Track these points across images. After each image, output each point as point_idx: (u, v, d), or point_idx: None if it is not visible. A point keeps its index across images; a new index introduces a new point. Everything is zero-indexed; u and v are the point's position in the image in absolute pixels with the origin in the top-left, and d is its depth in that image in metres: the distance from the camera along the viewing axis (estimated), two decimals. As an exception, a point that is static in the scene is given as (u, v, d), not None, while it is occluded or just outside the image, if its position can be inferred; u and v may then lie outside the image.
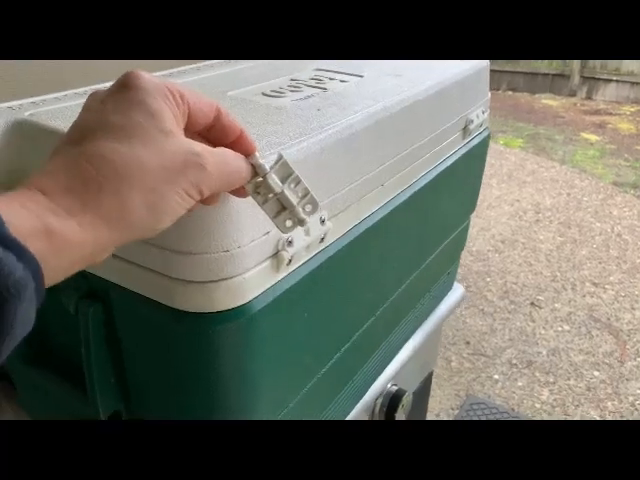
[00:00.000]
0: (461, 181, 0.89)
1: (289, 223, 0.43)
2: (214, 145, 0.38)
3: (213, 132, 0.39)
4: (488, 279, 2.71)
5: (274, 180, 0.41)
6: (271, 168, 0.41)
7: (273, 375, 0.57)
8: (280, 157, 0.42)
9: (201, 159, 0.34)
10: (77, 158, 0.31)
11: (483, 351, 2.31)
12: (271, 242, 0.52)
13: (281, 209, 0.42)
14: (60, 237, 0.28)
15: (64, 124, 0.56)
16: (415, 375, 1.09)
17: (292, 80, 0.78)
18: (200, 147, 0.35)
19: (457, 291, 1.09)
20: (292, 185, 0.43)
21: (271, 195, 0.41)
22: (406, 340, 0.97)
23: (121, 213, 0.30)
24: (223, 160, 0.37)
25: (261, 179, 0.41)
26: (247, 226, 0.48)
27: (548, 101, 5.27)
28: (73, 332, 0.55)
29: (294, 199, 0.42)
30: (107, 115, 0.33)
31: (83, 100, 0.37)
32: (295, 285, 0.55)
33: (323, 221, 0.57)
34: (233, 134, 0.41)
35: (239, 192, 0.41)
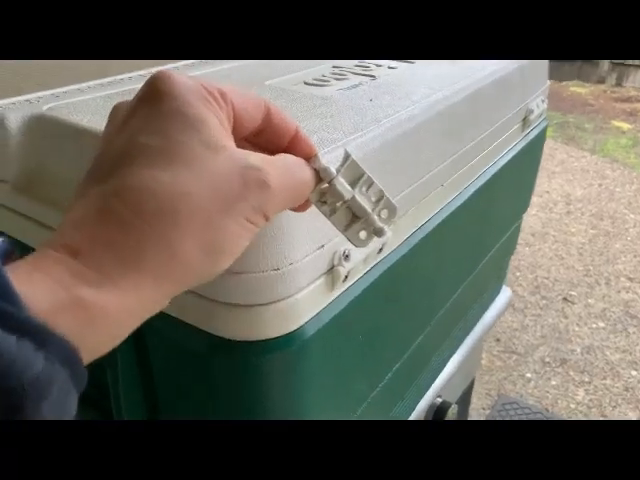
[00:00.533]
0: (518, 178, 0.81)
1: (364, 235, 0.35)
2: (265, 151, 0.30)
3: (263, 135, 0.32)
4: (518, 274, 2.62)
5: (342, 185, 0.33)
6: (337, 171, 0.34)
7: (322, 404, 0.50)
8: (347, 156, 0.34)
9: (263, 174, 0.27)
10: (107, 199, 0.24)
11: (514, 348, 2.23)
12: (326, 256, 0.44)
13: (353, 219, 0.35)
14: (96, 309, 0.21)
15: (86, 118, 0.49)
16: (459, 385, 1.02)
17: (334, 67, 0.70)
18: (259, 158, 0.28)
19: (504, 294, 1.01)
20: (364, 189, 0.34)
21: (340, 203, 0.34)
22: (454, 350, 0.89)
23: (170, 263, 0.24)
24: (287, 171, 0.29)
25: (327, 185, 0.33)
26: (300, 239, 0.41)
27: (576, 88, 5.10)
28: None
29: (368, 205, 0.34)
30: (137, 136, 0.26)
31: (108, 92, 0.30)
32: (350, 303, 0.48)
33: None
34: (287, 135, 0.32)
35: (302, 205, 0.33)
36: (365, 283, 0.50)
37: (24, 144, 0.51)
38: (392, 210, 0.36)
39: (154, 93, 0.27)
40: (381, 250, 0.50)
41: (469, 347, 0.94)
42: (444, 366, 0.86)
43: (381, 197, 0.35)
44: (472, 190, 0.66)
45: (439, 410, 0.90)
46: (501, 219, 0.81)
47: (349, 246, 0.46)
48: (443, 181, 0.60)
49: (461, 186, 0.64)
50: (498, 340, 2.25)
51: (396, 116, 0.53)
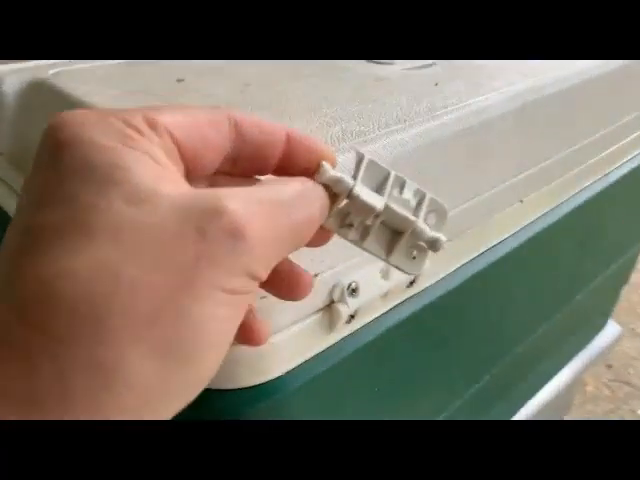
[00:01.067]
0: (635, 196, 0.63)
1: (417, 253, 0.25)
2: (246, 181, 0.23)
3: (241, 160, 0.22)
4: (643, 294, 2.30)
5: (368, 194, 0.23)
6: (355, 177, 0.23)
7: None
8: (361, 157, 0.23)
9: (230, 217, 0.18)
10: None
11: (628, 379, 1.95)
12: (321, 289, 0.33)
13: (394, 237, 0.24)
14: None
15: (88, 88, 0.41)
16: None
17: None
18: (222, 195, 0.18)
19: (610, 331, 0.83)
20: (395, 192, 0.24)
21: (371, 220, 0.23)
22: (535, 391, 0.74)
23: (112, 391, 0.16)
24: (274, 204, 0.19)
25: (346, 201, 0.23)
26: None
27: None
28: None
29: (408, 211, 0.23)
30: (35, 214, 0.18)
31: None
32: (360, 350, 0.37)
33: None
34: (274, 147, 0.22)
35: (320, 237, 0.24)
36: (385, 325, 0.38)
37: (17, 111, 0.45)
38: (441, 212, 0.25)
39: (52, 146, 0.18)
40: (412, 283, 0.38)
41: (557, 388, 0.78)
42: (521, 406, 0.71)
43: (422, 197, 0.24)
44: (566, 210, 0.50)
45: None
46: (609, 245, 0.64)
47: (357, 277, 0.34)
48: (522, 196, 0.46)
49: (548, 204, 0.50)
50: (610, 367, 1.98)
51: (460, 106, 0.40)
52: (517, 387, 0.66)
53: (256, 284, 0.19)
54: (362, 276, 0.35)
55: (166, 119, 0.19)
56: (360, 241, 0.23)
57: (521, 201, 0.46)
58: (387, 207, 0.23)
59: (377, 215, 0.23)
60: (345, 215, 0.23)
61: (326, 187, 0.22)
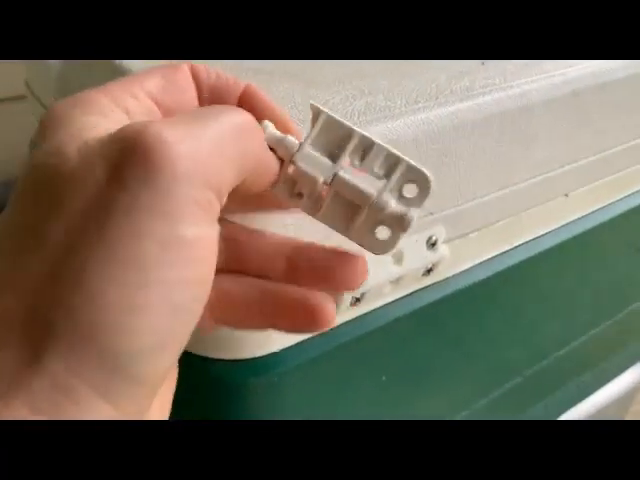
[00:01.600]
0: None
1: (383, 232, 0.21)
2: None
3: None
4: None
5: (313, 159, 0.20)
6: (307, 138, 0.21)
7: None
8: (318, 112, 0.20)
9: (146, 147, 0.15)
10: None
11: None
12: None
13: (354, 210, 0.21)
14: None
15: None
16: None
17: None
18: (140, 123, 0.16)
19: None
20: (356, 157, 0.20)
21: (326, 191, 0.21)
22: (577, 401, 0.70)
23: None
24: (204, 115, 0.18)
25: (294, 167, 0.21)
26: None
27: None
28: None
29: (369, 182, 0.20)
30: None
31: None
32: (368, 335, 0.35)
33: (434, 243, 0.35)
34: (231, 94, 0.21)
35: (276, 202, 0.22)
36: (395, 313, 0.36)
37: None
38: (423, 182, 0.20)
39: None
40: (430, 271, 0.36)
41: (601, 401, 0.73)
42: (561, 412, 0.67)
43: (395, 164, 0.20)
44: (618, 210, 0.46)
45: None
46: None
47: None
48: (567, 190, 0.42)
49: (598, 201, 0.46)
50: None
51: (502, 87, 0.37)
52: (556, 393, 0.62)
53: (213, 194, 0.16)
54: (370, 257, 0.33)
55: (145, 85, 0.19)
56: (313, 212, 0.21)
57: (566, 195, 0.43)
58: (336, 177, 0.20)
59: (329, 183, 0.20)
60: (294, 183, 0.21)
61: (273, 150, 0.20)
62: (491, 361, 0.47)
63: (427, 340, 0.39)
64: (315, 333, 0.33)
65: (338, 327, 0.34)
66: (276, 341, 0.32)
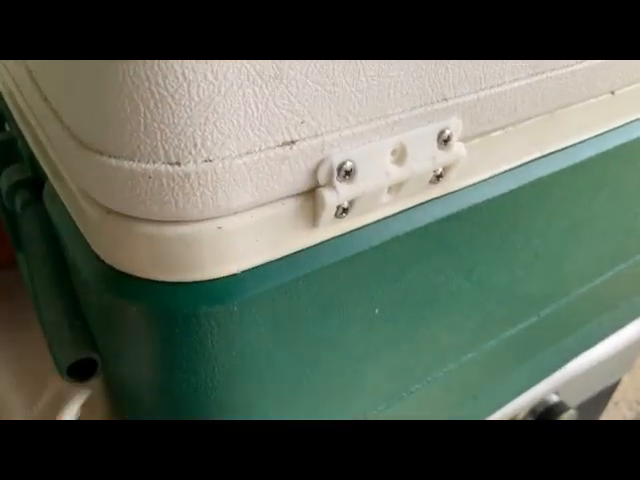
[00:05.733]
0: None
1: None
2: None
3: None
4: None
5: None
6: None
7: (288, 396, 0.32)
8: None
9: None
10: None
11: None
12: (300, 163, 0.24)
13: None
14: None
15: None
16: (588, 386, 0.75)
17: None
18: None
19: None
20: None
21: None
22: (592, 343, 0.64)
23: None
24: None
25: None
26: (243, 114, 0.21)
27: None
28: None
29: None
30: None
31: None
32: (356, 259, 0.27)
33: (446, 140, 0.27)
34: None
35: None
36: (393, 230, 0.28)
37: None
38: None
39: None
40: (439, 178, 0.28)
41: (612, 348, 0.67)
42: (564, 363, 0.61)
43: None
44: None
45: (548, 411, 0.69)
46: None
47: (355, 154, 0.24)
48: (614, 86, 0.34)
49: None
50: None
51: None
52: (572, 335, 0.55)
53: None
54: (363, 153, 0.25)
55: None
56: None
57: (612, 93, 0.34)
58: None
59: None
60: None
61: None
62: (506, 295, 0.39)
63: (431, 266, 0.32)
64: (286, 251, 0.26)
65: (319, 245, 0.27)
66: (237, 259, 0.25)
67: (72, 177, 0.26)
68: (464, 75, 0.26)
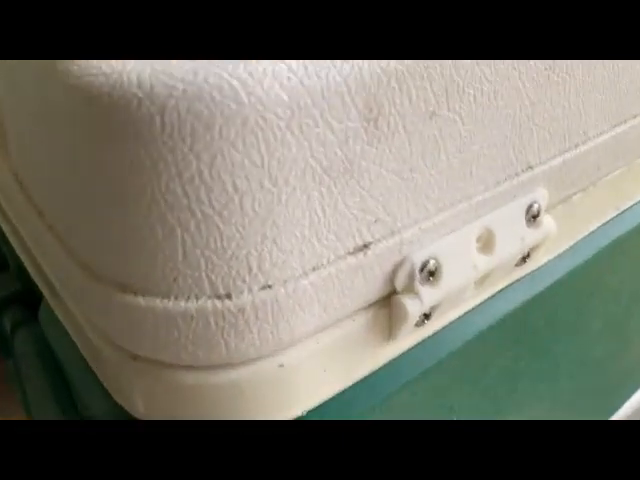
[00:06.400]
0: None
1: None
2: None
3: None
4: None
5: None
6: None
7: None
8: None
9: None
10: None
11: None
12: (375, 269, 0.19)
13: None
14: None
15: None
16: None
17: None
18: None
19: None
20: None
21: None
22: None
23: None
24: None
25: None
26: (310, 225, 0.16)
27: None
28: None
29: None
30: None
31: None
32: (436, 370, 0.22)
33: (535, 215, 0.22)
34: None
35: None
36: (476, 325, 0.23)
37: None
38: None
39: None
40: (527, 258, 0.23)
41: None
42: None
43: None
44: None
45: None
46: None
47: (438, 250, 0.19)
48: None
49: None
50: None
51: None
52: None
53: None
54: (447, 247, 0.20)
55: None
56: None
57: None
58: None
59: None
60: None
61: None
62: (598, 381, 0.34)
63: (512, 357, 0.27)
64: (359, 376, 0.21)
65: (396, 359, 0.21)
66: (302, 399, 0.19)
67: (81, 310, 0.20)
68: (548, 136, 0.22)
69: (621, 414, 0.57)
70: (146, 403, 0.19)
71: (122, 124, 0.14)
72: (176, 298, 0.16)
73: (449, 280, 0.20)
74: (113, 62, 0.15)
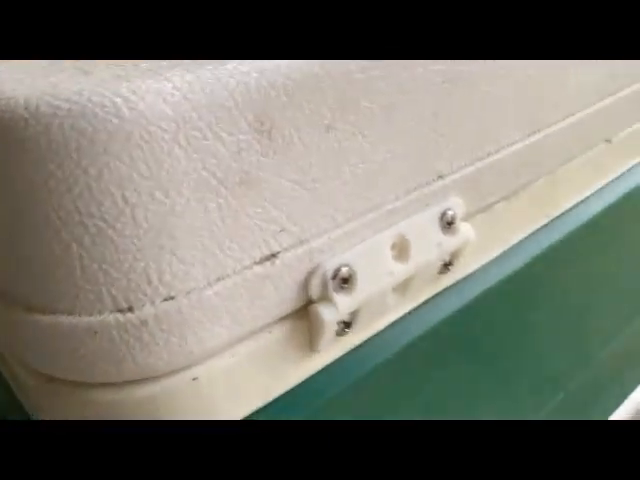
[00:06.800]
0: None
1: None
2: None
3: None
4: None
5: None
6: None
7: None
8: None
9: None
10: None
11: None
12: (287, 278, 0.19)
13: None
14: None
15: None
16: None
17: None
18: None
19: None
20: None
21: None
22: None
23: None
24: None
25: None
26: (211, 236, 0.17)
27: None
28: None
29: None
30: None
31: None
32: (367, 378, 0.22)
33: (450, 222, 0.23)
34: None
35: None
36: (405, 335, 0.24)
37: None
38: None
39: None
40: (449, 266, 0.24)
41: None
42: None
43: None
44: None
45: None
46: None
47: (350, 257, 0.20)
48: (609, 135, 0.31)
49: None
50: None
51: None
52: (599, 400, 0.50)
53: None
54: (360, 254, 0.20)
55: None
56: None
57: (608, 141, 0.31)
58: None
59: None
60: None
61: None
62: (533, 377, 0.34)
63: (452, 369, 0.27)
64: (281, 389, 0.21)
65: (323, 370, 0.22)
66: (223, 413, 0.19)
67: None
68: (457, 146, 0.23)
69: (621, 414, 0.56)
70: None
71: (11, 145, 0.15)
72: (80, 314, 0.16)
73: (364, 287, 0.20)
74: (4, 87, 0.15)
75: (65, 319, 0.16)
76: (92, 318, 0.16)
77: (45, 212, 0.15)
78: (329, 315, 0.20)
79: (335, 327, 0.20)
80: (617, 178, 0.32)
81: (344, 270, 0.20)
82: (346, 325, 0.21)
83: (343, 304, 0.20)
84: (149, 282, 0.16)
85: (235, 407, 0.19)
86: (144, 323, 0.16)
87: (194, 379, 0.18)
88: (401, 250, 0.22)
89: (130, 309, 0.16)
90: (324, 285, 0.20)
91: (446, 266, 0.24)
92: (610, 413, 0.54)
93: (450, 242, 0.23)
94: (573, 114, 0.28)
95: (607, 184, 0.32)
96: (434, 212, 0.22)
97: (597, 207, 0.31)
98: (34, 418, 0.20)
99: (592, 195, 0.31)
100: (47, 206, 0.15)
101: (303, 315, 0.20)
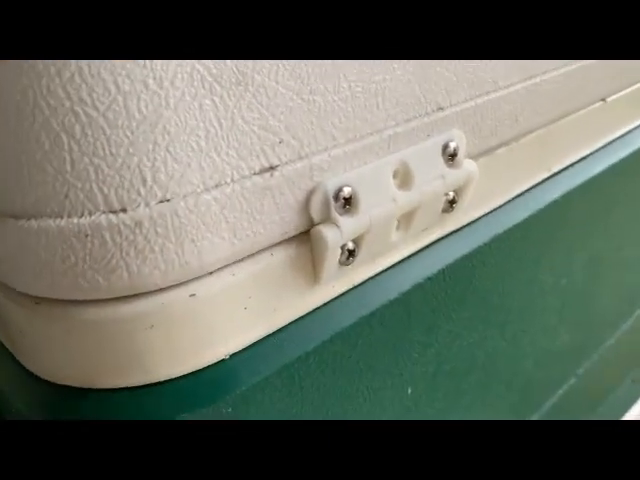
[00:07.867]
0: None
1: None
2: None
3: None
4: None
5: None
6: None
7: None
8: None
9: None
10: None
11: None
12: (287, 198, 0.18)
13: None
14: None
15: None
16: None
17: None
18: None
19: None
20: None
21: None
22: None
23: None
24: None
25: None
26: (207, 137, 0.16)
27: None
28: None
29: None
30: None
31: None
32: (373, 318, 0.21)
33: (452, 154, 0.22)
34: None
35: None
36: (411, 276, 0.23)
37: None
38: None
39: None
40: (454, 203, 0.23)
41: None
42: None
43: None
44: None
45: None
46: None
47: (351, 178, 0.19)
48: (604, 94, 0.31)
49: (645, 106, 0.34)
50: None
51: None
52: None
53: None
54: (362, 176, 0.20)
55: None
56: None
57: (604, 100, 0.31)
58: None
59: None
60: None
61: None
62: (542, 353, 0.33)
63: (460, 320, 0.26)
64: (285, 320, 0.20)
65: (327, 305, 0.21)
66: (223, 338, 0.18)
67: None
68: (455, 80, 0.22)
69: (632, 414, 0.54)
70: (54, 356, 0.18)
71: (-2, 28, 0.14)
72: (69, 216, 0.15)
73: (367, 210, 0.19)
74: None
75: (53, 222, 0.15)
76: (82, 219, 0.15)
77: (34, 99, 0.14)
78: (332, 237, 0.19)
79: (338, 253, 0.19)
80: (617, 139, 0.32)
81: (346, 190, 0.19)
82: (350, 253, 0.20)
83: (347, 226, 0.19)
84: (143, 181, 0.15)
85: (236, 334, 0.18)
86: (138, 224, 0.16)
87: (192, 295, 0.17)
88: (404, 179, 0.21)
89: (123, 210, 0.15)
90: (326, 205, 0.19)
91: (451, 204, 0.23)
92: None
93: (453, 175, 0.22)
94: (568, 65, 0.28)
95: (608, 144, 0.32)
96: (436, 142, 0.22)
97: (599, 167, 0.31)
98: (20, 361, 0.19)
99: (592, 154, 0.31)
100: (36, 92, 0.14)
101: (307, 241, 0.19)
